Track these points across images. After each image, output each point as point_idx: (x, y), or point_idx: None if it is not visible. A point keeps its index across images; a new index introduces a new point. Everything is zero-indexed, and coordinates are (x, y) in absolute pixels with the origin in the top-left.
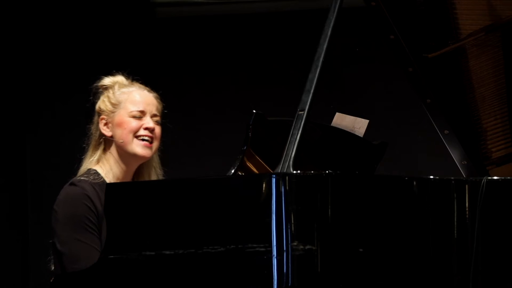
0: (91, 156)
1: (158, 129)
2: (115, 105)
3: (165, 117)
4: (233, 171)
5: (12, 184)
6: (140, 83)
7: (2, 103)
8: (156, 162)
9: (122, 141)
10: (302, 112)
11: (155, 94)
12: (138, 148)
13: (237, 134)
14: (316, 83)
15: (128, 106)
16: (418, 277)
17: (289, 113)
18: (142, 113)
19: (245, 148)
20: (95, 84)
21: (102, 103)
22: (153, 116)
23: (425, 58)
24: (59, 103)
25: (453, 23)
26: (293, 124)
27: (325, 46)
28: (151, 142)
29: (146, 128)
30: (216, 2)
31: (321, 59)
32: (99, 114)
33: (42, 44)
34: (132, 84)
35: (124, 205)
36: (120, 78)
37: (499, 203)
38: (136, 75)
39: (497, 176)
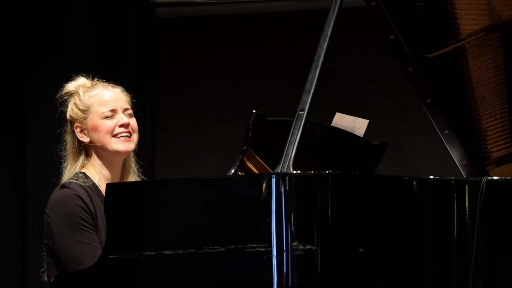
0: (72, 165)
1: (133, 122)
2: (85, 111)
3: (165, 117)
4: (233, 171)
5: (12, 184)
6: (103, 81)
7: (2, 103)
8: (132, 155)
9: (100, 144)
10: (302, 112)
11: (120, 88)
12: (119, 145)
13: (237, 134)
14: (316, 83)
15: (98, 108)
16: (418, 277)
17: (289, 113)
18: (114, 111)
19: (245, 148)
20: (59, 94)
21: (72, 111)
22: (124, 110)
23: (425, 58)
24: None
25: (453, 23)
26: (293, 124)
27: (325, 46)
28: (129, 136)
29: (121, 125)
30: (216, 2)
31: (321, 59)
32: (72, 123)
33: (41, 44)
34: (95, 85)
35: (124, 205)
36: (82, 81)
37: (499, 203)
38: (136, 75)
39: (497, 176)
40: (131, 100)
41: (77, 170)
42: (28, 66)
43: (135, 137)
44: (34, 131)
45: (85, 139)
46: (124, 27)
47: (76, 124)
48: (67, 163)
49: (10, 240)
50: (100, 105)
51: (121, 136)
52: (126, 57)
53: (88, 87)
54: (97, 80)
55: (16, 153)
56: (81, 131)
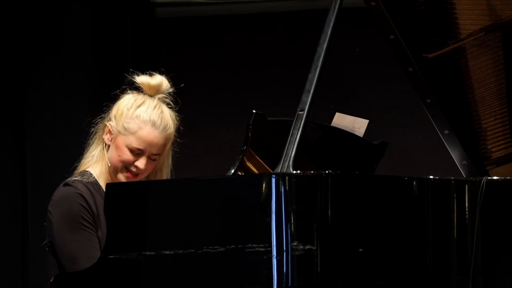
0: (95, 148)
1: (151, 166)
2: (123, 128)
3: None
4: (233, 171)
5: (12, 184)
6: (169, 107)
7: (2, 103)
8: (165, 166)
9: (110, 165)
10: (302, 112)
11: (167, 133)
12: (122, 177)
13: (237, 134)
14: (316, 83)
15: (132, 138)
16: (418, 277)
17: (289, 113)
18: (140, 151)
19: (245, 148)
20: (129, 79)
21: (117, 112)
22: (151, 154)
23: (425, 58)
24: (60, 102)
25: (453, 23)
26: (293, 124)
27: (325, 46)
28: (136, 175)
29: (135, 167)
30: (216, 2)
31: (321, 59)
32: (109, 119)
33: (41, 45)
34: (156, 107)
35: (124, 205)
36: (155, 83)
37: (499, 203)
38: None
39: (497, 176)
40: (170, 141)
41: (93, 159)
42: (28, 64)
43: (142, 176)
44: (34, 130)
45: (107, 140)
46: (124, 27)
47: (110, 123)
48: (90, 146)
49: (10, 240)
50: (136, 139)
51: (129, 171)
52: (126, 57)
53: (148, 103)
54: (171, 94)
55: (17, 153)
56: (109, 132)
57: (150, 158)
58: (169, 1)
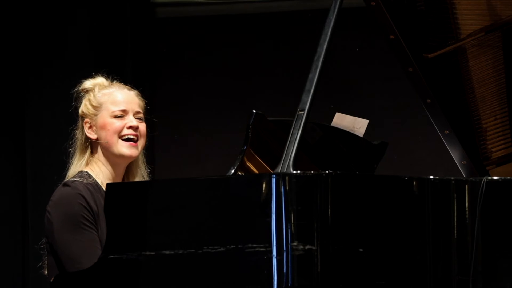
0: (79, 160)
1: (142, 126)
2: (96, 108)
3: (165, 117)
4: (233, 171)
5: (12, 184)
6: (120, 82)
7: (3, 103)
8: (142, 160)
9: (106, 142)
10: (302, 112)
11: (135, 92)
12: (124, 148)
13: (237, 134)
14: (316, 83)
15: (110, 107)
16: (418, 277)
17: (289, 113)
18: (124, 112)
19: (245, 148)
20: (76, 89)
21: (84, 107)
22: (135, 113)
23: (425, 58)
24: (60, 103)
25: (453, 23)
26: (293, 124)
27: (325, 46)
28: (136, 141)
29: (129, 127)
30: (216, 2)
31: (321, 59)
32: (83, 118)
33: (41, 45)
34: (112, 84)
35: (124, 205)
36: (100, 80)
37: (499, 203)
38: (135, 75)
39: (497, 176)
40: (144, 106)
41: (82, 166)
42: (28, 65)
43: (141, 142)
44: (34, 130)
45: (92, 135)
46: (124, 27)
47: (86, 120)
48: (74, 159)
49: (10, 240)
50: (112, 104)
51: (128, 139)
52: (126, 57)
53: (105, 86)
54: (115, 81)
55: (17, 153)
56: (90, 127)
57: (135, 118)
58: (169, 1)
